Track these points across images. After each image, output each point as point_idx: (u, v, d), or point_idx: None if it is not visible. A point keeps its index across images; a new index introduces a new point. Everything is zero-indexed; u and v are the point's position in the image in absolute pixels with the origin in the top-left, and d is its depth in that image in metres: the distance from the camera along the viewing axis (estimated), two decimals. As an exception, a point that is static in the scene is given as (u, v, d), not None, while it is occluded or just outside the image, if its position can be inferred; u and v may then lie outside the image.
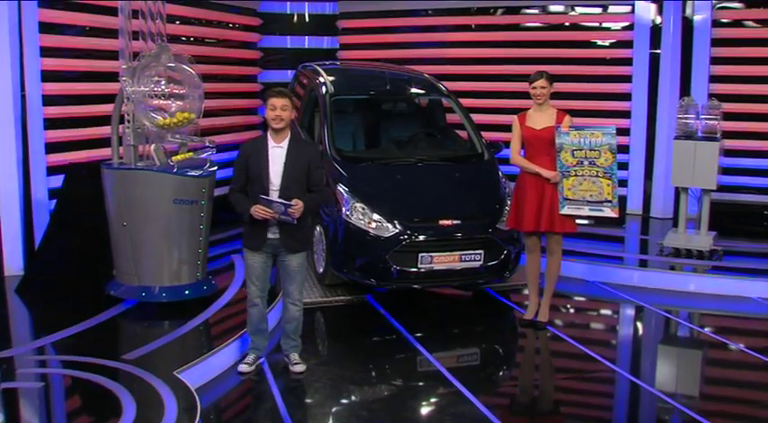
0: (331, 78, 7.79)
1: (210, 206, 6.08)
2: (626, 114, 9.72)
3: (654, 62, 9.49)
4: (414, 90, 8.14)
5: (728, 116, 8.26)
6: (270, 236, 4.93)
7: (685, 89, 9.18)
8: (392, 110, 8.31)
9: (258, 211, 4.76)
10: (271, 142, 4.91)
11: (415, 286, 6.43)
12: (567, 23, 10.07)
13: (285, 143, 4.90)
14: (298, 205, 4.75)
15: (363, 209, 6.33)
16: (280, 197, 4.81)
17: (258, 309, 5.14)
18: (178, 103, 6.11)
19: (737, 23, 9.13)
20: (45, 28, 6.98)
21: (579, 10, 9.97)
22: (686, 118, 7.76)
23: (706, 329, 6.41)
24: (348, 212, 6.34)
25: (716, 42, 9.11)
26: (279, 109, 4.82)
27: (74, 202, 6.51)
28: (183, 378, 4.73)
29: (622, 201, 9.46)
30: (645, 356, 5.99)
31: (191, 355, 5.09)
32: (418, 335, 5.90)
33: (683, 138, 7.71)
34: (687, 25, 9.22)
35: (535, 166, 5.81)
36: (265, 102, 4.93)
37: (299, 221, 4.84)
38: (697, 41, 9.17)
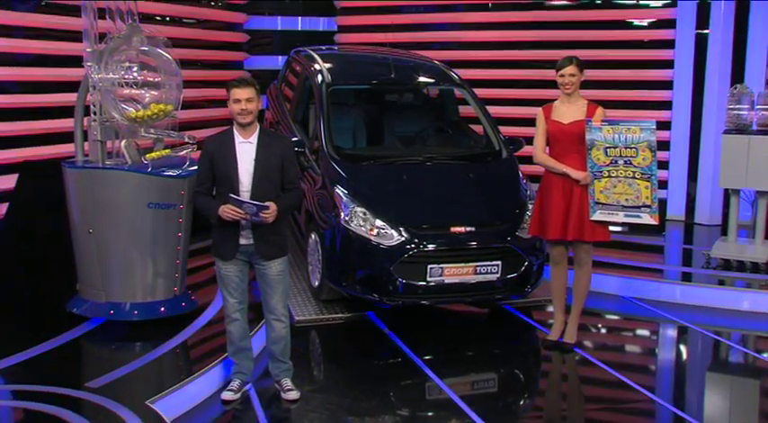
0: (328, 66, 7.82)
1: (190, 211, 6.09)
2: (667, 105, 9.74)
3: (701, 44, 9.50)
4: (422, 79, 8.15)
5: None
6: (242, 242, 4.94)
7: (738, 75, 9.19)
8: (397, 102, 8.36)
9: (227, 211, 4.77)
10: (238, 137, 4.92)
11: (424, 302, 6.44)
12: (599, 1, 10.09)
13: (254, 137, 4.92)
14: (271, 209, 4.77)
15: (365, 214, 6.34)
16: (251, 198, 4.82)
17: (239, 324, 5.14)
18: (152, 92, 6.16)
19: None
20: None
21: (613, -15, 10.02)
22: (738, 109, 7.78)
23: (763, 355, 6.39)
24: (347, 218, 6.35)
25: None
26: (244, 102, 4.82)
27: (30, 205, 6.54)
28: (156, 408, 4.73)
29: (663, 205, 9.48)
30: (690, 385, 5.97)
31: (166, 382, 5.10)
32: (427, 358, 5.90)
33: (735, 132, 7.72)
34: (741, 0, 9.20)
35: (562, 165, 5.82)
36: (227, 93, 4.89)
37: (274, 224, 4.87)
38: (753, 19, 9.15)
